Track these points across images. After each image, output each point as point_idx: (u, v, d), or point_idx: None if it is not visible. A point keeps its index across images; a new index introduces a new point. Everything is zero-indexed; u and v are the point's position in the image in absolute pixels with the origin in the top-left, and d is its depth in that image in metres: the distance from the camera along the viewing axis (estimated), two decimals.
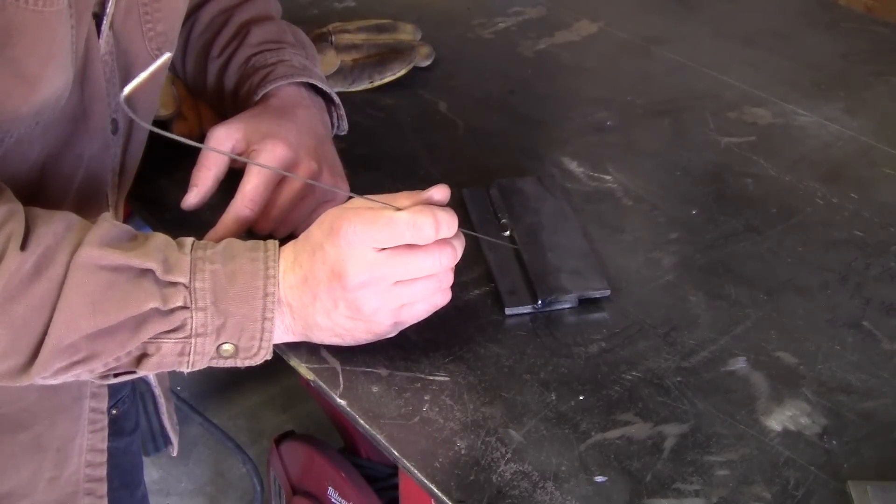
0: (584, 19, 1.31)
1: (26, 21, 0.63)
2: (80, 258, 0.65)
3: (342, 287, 0.68)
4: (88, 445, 0.84)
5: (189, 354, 0.68)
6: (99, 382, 0.71)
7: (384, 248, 0.68)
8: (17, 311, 0.63)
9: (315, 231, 0.70)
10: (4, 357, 0.64)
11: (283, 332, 0.72)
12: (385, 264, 0.68)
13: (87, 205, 0.77)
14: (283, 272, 0.70)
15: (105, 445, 0.85)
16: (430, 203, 0.69)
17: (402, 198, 0.70)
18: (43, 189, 0.73)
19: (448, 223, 0.68)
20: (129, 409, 0.99)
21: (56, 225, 0.66)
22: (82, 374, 0.67)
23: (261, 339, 0.69)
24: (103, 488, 0.86)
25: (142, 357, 0.68)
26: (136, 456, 1.05)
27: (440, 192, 0.71)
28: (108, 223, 0.68)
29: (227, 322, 0.68)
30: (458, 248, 0.70)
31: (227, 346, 0.69)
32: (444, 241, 0.69)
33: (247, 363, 0.70)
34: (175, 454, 1.03)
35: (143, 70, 0.78)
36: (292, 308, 0.70)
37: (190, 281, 0.67)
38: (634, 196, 0.95)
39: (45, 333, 0.64)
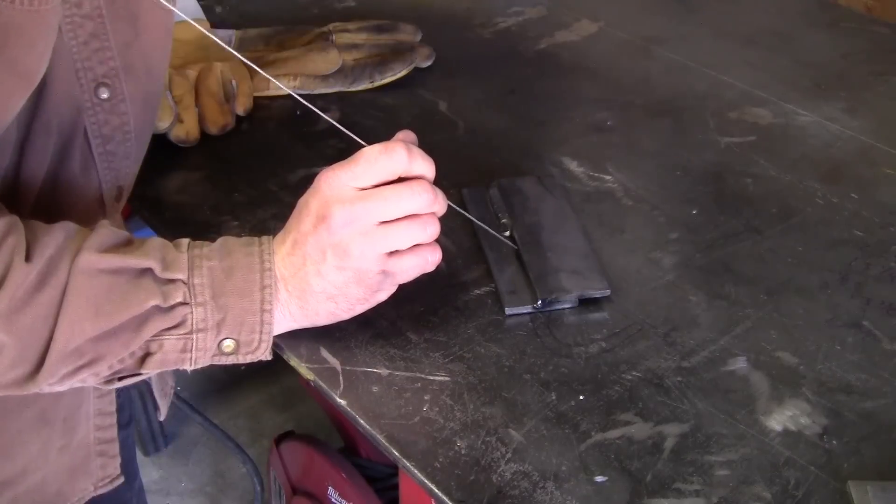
0: (584, 19, 1.31)
1: (23, 21, 0.62)
2: (80, 264, 0.65)
3: (327, 229, 0.69)
4: (96, 410, 0.85)
5: (191, 351, 0.69)
6: (104, 388, 0.72)
7: (364, 188, 0.69)
8: (25, 320, 0.64)
9: (300, 199, 0.72)
10: (12, 367, 0.65)
11: (282, 319, 0.72)
12: (365, 198, 0.69)
13: (68, 169, 0.75)
14: (275, 249, 0.71)
15: (114, 408, 0.86)
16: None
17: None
18: (20, 163, 0.72)
19: (421, 154, 0.70)
20: (123, 403, 1.00)
21: (57, 234, 0.66)
22: (88, 378, 0.68)
23: (261, 332, 0.70)
24: (115, 448, 0.87)
25: (145, 356, 0.68)
26: (131, 449, 1.05)
27: (405, 134, 0.74)
28: (106, 229, 0.69)
29: (226, 317, 0.69)
30: (440, 197, 0.71)
31: (227, 342, 0.70)
32: (421, 179, 0.70)
33: (248, 358, 0.71)
34: (162, 419, 1.03)
35: (150, 18, 0.75)
36: (286, 280, 0.71)
37: (188, 277, 0.68)
38: (634, 196, 0.95)
39: (50, 340, 0.64)
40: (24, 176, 0.72)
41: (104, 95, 0.74)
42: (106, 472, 0.88)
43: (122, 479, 0.89)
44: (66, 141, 0.74)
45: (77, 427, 0.84)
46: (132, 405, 1.03)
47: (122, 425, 0.99)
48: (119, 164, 0.78)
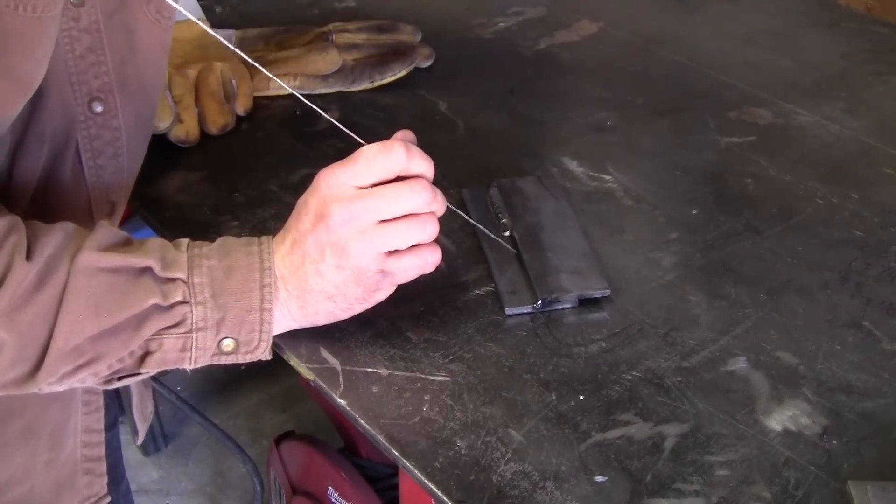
0: (584, 19, 1.31)
1: (25, 28, 0.63)
2: (80, 263, 0.65)
3: (326, 227, 0.69)
4: (84, 426, 0.84)
5: (191, 350, 0.69)
6: (104, 387, 0.72)
7: (363, 187, 0.69)
8: (24, 319, 0.64)
9: (300, 199, 0.72)
10: (12, 366, 0.65)
11: (281, 318, 0.72)
12: (364, 197, 0.69)
13: (58, 181, 0.76)
14: (275, 249, 0.71)
15: (102, 426, 0.86)
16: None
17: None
18: (12, 172, 0.72)
19: (420, 153, 0.70)
20: (108, 405, 1.00)
21: (56, 234, 0.66)
22: (88, 377, 0.68)
23: (260, 332, 0.70)
24: (102, 467, 0.86)
25: (145, 356, 0.68)
26: (116, 451, 1.05)
27: (403, 133, 0.74)
28: (106, 229, 0.69)
29: (226, 316, 0.69)
30: (439, 196, 0.71)
31: (227, 341, 0.70)
32: (419, 178, 0.70)
33: (248, 358, 0.71)
34: (139, 443, 1.03)
35: (146, 35, 0.76)
36: (285, 279, 0.71)
37: (188, 276, 0.68)
38: (634, 196, 0.95)
39: (50, 339, 0.65)
40: (14, 185, 0.72)
41: (98, 109, 0.75)
42: (92, 491, 0.87)
43: (108, 500, 0.88)
44: (58, 151, 0.74)
45: (64, 442, 0.83)
46: (117, 405, 1.03)
47: (108, 426, 0.99)
48: (109, 179, 0.79)
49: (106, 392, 0.99)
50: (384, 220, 0.69)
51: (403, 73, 1.14)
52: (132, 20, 0.75)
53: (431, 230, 0.71)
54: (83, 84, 0.73)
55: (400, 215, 0.70)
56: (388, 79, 1.13)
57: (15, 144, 0.71)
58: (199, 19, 1.11)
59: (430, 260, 0.73)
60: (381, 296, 0.74)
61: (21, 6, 0.62)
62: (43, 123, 0.72)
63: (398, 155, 0.69)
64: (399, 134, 0.74)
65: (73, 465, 0.85)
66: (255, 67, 0.76)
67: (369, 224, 0.69)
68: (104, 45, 0.73)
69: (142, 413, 0.99)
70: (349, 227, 0.69)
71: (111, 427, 1.00)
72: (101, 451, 0.86)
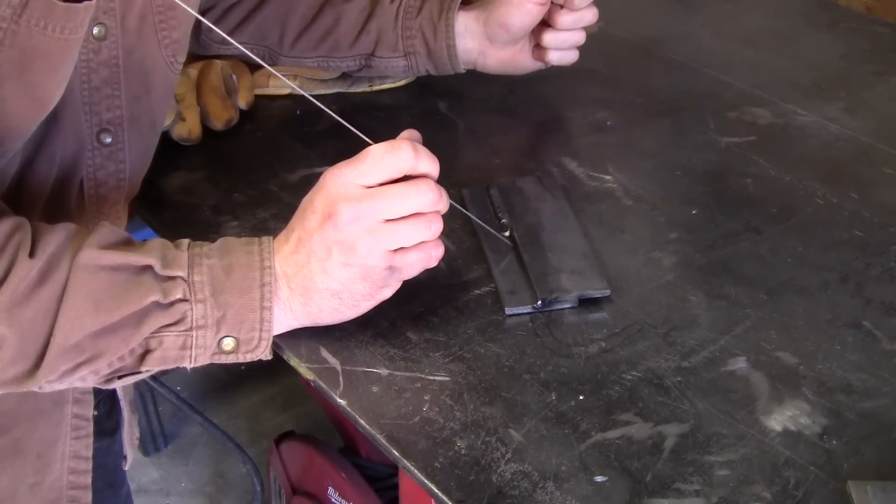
0: None
1: (50, 48, 0.64)
2: (81, 260, 0.66)
3: (334, 226, 0.69)
4: (72, 452, 0.84)
5: (191, 348, 0.69)
6: (105, 387, 0.72)
7: (370, 186, 0.69)
8: (26, 315, 0.64)
9: (305, 198, 0.73)
10: (13, 362, 0.65)
11: (283, 317, 0.73)
12: (371, 196, 0.69)
13: (63, 206, 0.77)
14: (278, 248, 0.72)
15: (90, 453, 0.85)
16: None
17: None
18: (20, 189, 0.74)
19: (427, 153, 0.71)
20: (110, 410, 1.00)
21: (58, 233, 0.67)
22: (88, 376, 0.68)
23: (260, 330, 0.70)
24: (87, 496, 0.86)
25: (145, 354, 0.69)
26: (118, 456, 1.05)
27: (409, 132, 0.74)
28: (107, 229, 0.70)
29: (226, 314, 0.69)
30: (444, 196, 0.71)
31: (228, 341, 0.70)
32: (426, 178, 0.71)
33: (248, 357, 0.71)
34: (127, 468, 1.02)
35: (161, 77, 0.79)
36: (289, 278, 0.71)
37: (188, 274, 0.68)
38: (634, 196, 0.95)
39: (50, 336, 0.65)
40: (21, 205, 0.73)
41: (106, 140, 0.78)
42: None
43: None
44: (66, 177, 0.77)
45: (51, 466, 0.83)
46: (121, 413, 1.02)
47: (108, 432, 0.99)
48: (109, 210, 0.81)
49: (107, 399, 0.99)
50: (391, 219, 0.70)
51: (402, 82, 1.13)
52: (151, 62, 0.78)
53: (436, 229, 0.72)
54: (95, 115, 0.76)
55: (407, 214, 0.70)
56: (388, 85, 1.13)
57: (24, 164, 0.73)
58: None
59: (433, 254, 0.73)
60: (388, 292, 0.74)
61: (51, 26, 0.64)
62: (54, 146, 0.74)
63: (406, 155, 0.69)
64: (405, 133, 0.74)
65: (59, 491, 0.84)
66: (254, 65, 0.77)
67: (376, 223, 0.69)
68: (121, 80, 0.76)
69: (130, 440, 1.00)
70: (357, 226, 0.69)
71: (113, 432, 1.00)
72: (88, 479, 0.85)
